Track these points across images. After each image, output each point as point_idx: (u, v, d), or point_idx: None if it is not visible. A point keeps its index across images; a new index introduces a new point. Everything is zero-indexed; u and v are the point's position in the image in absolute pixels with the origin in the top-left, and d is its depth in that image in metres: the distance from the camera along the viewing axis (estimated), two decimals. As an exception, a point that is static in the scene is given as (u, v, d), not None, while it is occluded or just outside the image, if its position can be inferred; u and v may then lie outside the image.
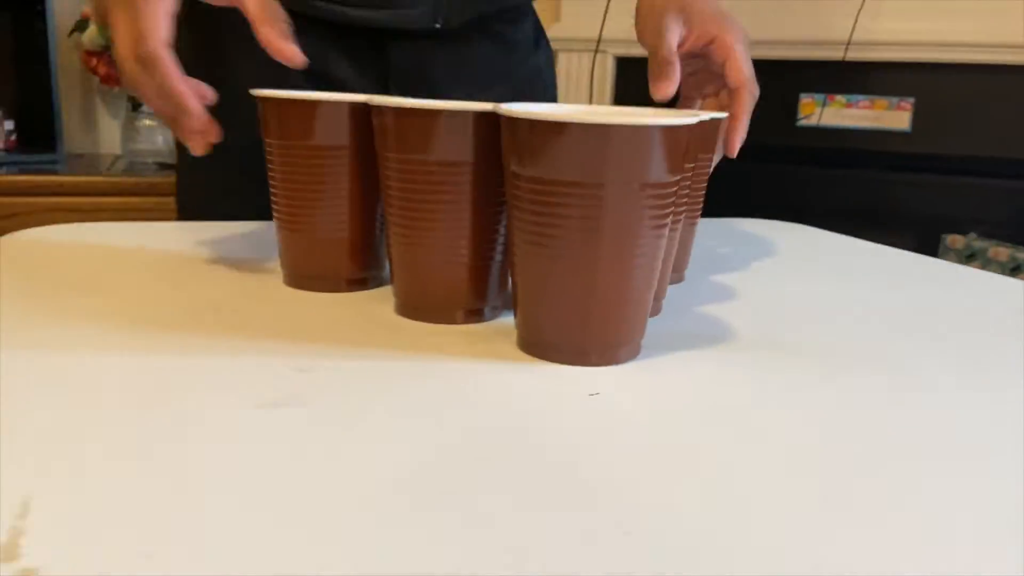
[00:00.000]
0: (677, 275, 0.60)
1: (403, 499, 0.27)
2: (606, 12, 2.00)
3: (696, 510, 0.27)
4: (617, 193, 0.38)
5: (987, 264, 1.65)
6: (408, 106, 0.43)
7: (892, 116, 1.81)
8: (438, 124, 0.43)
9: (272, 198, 0.52)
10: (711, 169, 0.59)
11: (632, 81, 2.07)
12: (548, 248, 0.39)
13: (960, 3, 1.72)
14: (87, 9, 1.74)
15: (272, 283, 0.53)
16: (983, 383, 0.41)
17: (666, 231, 0.41)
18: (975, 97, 1.76)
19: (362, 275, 0.53)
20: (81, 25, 1.74)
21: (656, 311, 0.51)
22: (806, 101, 1.88)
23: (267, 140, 0.50)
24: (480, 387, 0.37)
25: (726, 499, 0.28)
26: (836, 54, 1.81)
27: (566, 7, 2.12)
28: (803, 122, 1.89)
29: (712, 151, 0.58)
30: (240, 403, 0.34)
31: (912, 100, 1.80)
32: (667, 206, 0.41)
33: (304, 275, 0.52)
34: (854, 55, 1.80)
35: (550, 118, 0.37)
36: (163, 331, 0.42)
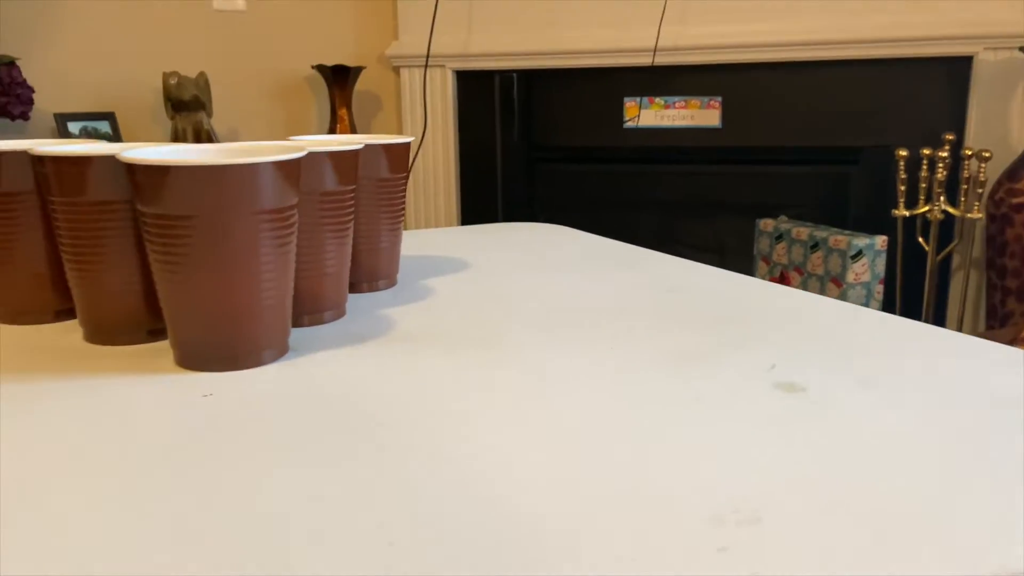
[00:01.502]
0: (388, 281, 0.67)
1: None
2: (432, 29, 2.08)
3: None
4: (227, 222, 0.44)
5: (792, 243, 1.81)
6: (58, 155, 0.48)
7: (704, 115, 1.95)
8: (89, 169, 0.48)
9: (-29, 242, 0.56)
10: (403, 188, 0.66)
11: (470, 92, 2.15)
12: (176, 274, 0.45)
13: (754, 7, 1.87)
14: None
15: (-17, 320, 0.57)
16: (585, 369, 0.50)
17: (291, 249, 0.48)
18: (775, 92, 1.91)
19: (68, 305, 0.58)
20: None
21: (338, 315, 0.58)
22: (629, 104, 2.01)
23: (-42, 189, 0.55)
24: (118, 401, 0.43)
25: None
26: (648, 60, 1.94)
27: (402, 25, 2.20)
28: (629, 124, 2.01)
29: (403, 171, 0.65)
30: None
31: (720, 99, 1.94)
32: (286, 226, 0.47)
33: (12, 312, 0.57)
34: (664, 60, 1.93)
35: (151, 162, 0.43)
36: None
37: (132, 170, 0.45)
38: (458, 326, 0.56)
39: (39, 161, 0.50)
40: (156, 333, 0.53)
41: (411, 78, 2.25)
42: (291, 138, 0.65)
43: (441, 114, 2.21)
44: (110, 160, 0.48)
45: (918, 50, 1.75)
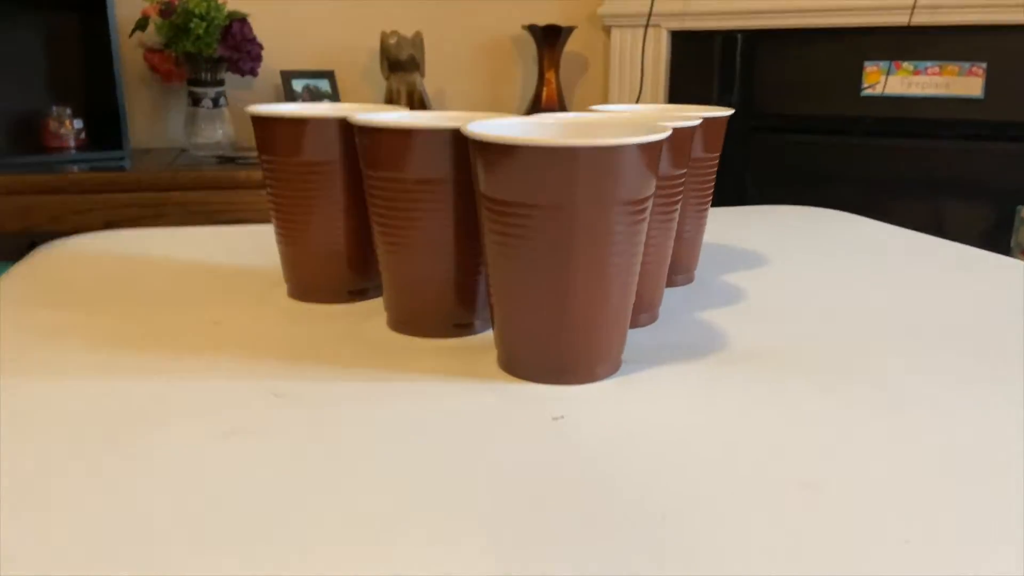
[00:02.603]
0: (686, 276, 0.59)
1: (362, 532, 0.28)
2: (656, -14, 1.95)
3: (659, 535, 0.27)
4: (586, 214, 0.37)
5: (1066, 238, 1.55)
6: (381, 125, 0.43)
7: (963, 82, 1.71)
8: (412, 143, 0.43)
9: (271, 213, 0.53)
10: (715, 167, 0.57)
11: (687, 55, 2.01)
12: (518, 269, 0.39)
13: (1038, -42, 1.60)
14: (147, 7, 1.80)
15: (277, 296, 0.55)
16: (978, 397, 0.39)
17: (641, 246, 0.41)
18: (1055, 59, 1.64)
19: (362, 285, 0.54)
20: (141, 24, 1.80)
21: (652, 319, 0.50)
22: (871, 69, 1.80)
23: (261, 156, 0.51)
24: (448, 411, 0.38)
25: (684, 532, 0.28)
26: (901, 19, 1.72)
27: (618, -19, 2.08)
28: (867, 91, 1.81)
29: (717, 150, 0.56)
30: (207, 433, 0.35)
31: (984, 65, 1.69)
32: (642, 220, 0.40)
33: (305, 288, 0.53)
34: (920, 19, 1.71)
35: (509, 141, 0.37)
36: (157, 352, 0.44)
37: (474, 146, 0.39)
38: (799, 342, 0.47)
39: (360, 131, 0.45)
40: (462, 327, 0.47)
41: (622, 39, 2.13)
42: (592, 108, 0.58)
43: (651, 77, 2.09)
44: (442, 133, 0.43)
45: None
